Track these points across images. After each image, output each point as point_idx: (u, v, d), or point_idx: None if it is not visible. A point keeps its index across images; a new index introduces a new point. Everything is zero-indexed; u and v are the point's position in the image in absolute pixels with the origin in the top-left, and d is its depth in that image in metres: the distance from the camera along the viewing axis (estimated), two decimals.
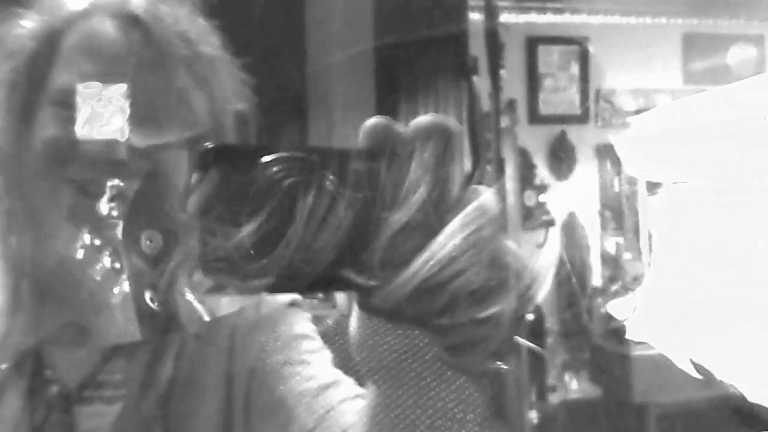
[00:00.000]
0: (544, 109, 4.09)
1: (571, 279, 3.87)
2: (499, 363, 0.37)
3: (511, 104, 3.72)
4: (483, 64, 2.38)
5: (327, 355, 0.67)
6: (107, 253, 0.64)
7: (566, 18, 4.00)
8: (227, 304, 0.73)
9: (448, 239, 0.32)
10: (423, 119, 0.34)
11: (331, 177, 0.30)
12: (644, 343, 3.75)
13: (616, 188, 4.25)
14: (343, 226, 0.30)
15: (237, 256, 0.28)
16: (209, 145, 0.31)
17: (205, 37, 0.67)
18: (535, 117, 4.06)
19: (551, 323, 3.94)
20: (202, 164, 0.30)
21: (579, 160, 4.11)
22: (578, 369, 4.05)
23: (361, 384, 0.58)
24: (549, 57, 4.11)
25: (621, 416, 3.72)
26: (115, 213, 0.63)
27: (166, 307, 0.33)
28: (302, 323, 0.69)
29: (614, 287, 3.93)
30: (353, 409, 0.57)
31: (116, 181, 0.63)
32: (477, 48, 2.46)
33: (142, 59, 0.62)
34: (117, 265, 0.64)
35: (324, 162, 0.30)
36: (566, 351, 4.03)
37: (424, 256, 0.32)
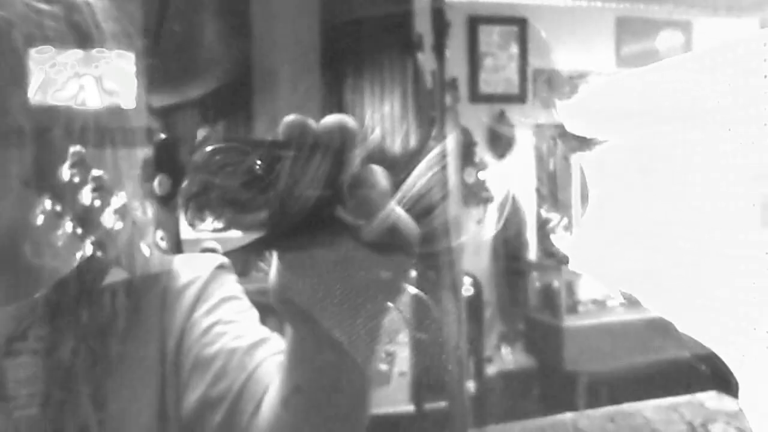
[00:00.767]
0: (484, 87, 4.17)
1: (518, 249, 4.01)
2: (418, 290, 0.43)
3: (453, 83, 3.79)
4: (426, 43, 2.41)
5: (255, 314, 0.72)
6: (68, 218, 0.64)
7: None
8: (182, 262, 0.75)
9: (416, 179, 0.38)
10: (329, 118, 0.40)
11: (258, 162, 0.35)
12: (575, 314, 3.93)
13: (552, 167, 4.39)
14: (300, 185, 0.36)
15: (237, 197, 0.33)
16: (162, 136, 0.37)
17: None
18: (475, 96, 4.14)
19: (489, 296, 4.07)
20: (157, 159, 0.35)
21: (517, 138, 4.22)
22: (513, 341, 4.21)
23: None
24: (489, 37, 4.18)
25: (553, 385, 3.90)
26: (76, 180, 0.63)
27: (175, 247, 0.38)
28: (230, 284, 0.73)
29: (549, 262, 4.09)
30: (278, 363, 0.61)
31: (78, 147, 0.63)
32: (421, 25, 2.49)
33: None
34: (79, 231, 0.64)
35: (254, 150, 0.35)
36: (503, 323, 4.18)
37: (398, 195, 0.38)
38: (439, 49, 1.73)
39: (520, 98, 4.25)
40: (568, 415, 3.66)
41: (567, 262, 4.01)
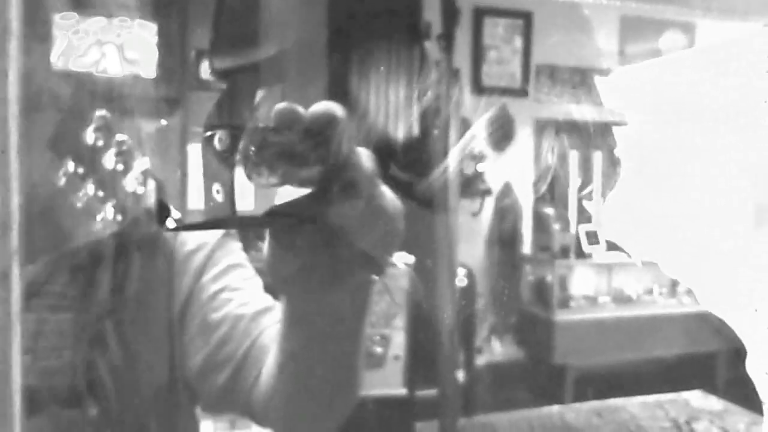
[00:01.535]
0: (486, 80, 4.17)
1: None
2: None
3: (456, 74, 3.79)
4: (434, 31, 2.41)
5: (259, 282, 0.74)
6: (91, 181, 0.66)
7: None
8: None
9: (467, 142, 0.40)
10: (318, 105, 0.42)
11: (252, 148, 0.37)
12: (567, 308, 3.96)
13: (550, 162, 4.41)
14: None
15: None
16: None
17: None
18: (477, 88, 4.14)
19: (482, 287, 4.09)
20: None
21: (517, 132, 4.24)
22: (504, 332, 4.24)
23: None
24: (494, 29, 4.18)
25: (542, 377, 3.94)
26: (100, 143, 0.65)
27: (231, 200, 0.39)
28: (237, 252, 0.75)
29: (543, 256, 4.12)
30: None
31: (103, 112, 0.65)
32: (430, 13, 2.49)
33: None
34: (101, 194, 0.66)
35: (248, 137, 0.38)
36: (495, 315, 4.20)
37: (452, 153, 0.40)
38: (448, 39, 1.73)
39: (521, 93, 4.26)
40: (556, 408, 3.71)
41: (560, 257, 4.04)
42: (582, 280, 4.18)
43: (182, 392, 0.72)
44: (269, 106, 0.38)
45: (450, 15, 1.73)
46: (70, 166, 0.66)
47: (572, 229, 4.05)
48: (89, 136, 0.65)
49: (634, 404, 3.62)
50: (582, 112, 4.37)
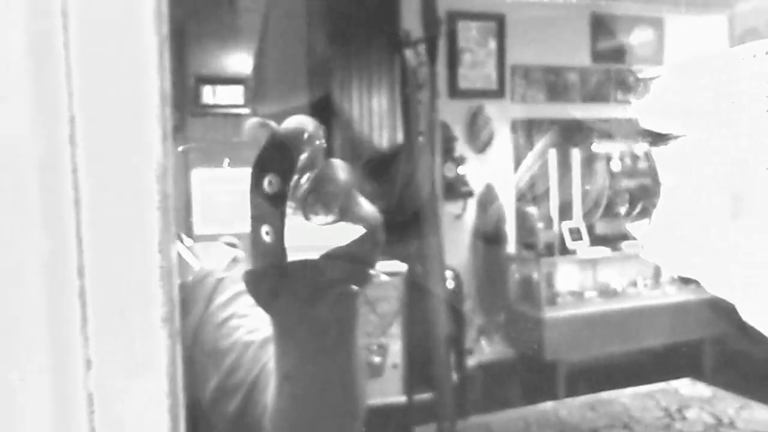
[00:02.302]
0: (463, 83, 4.21)
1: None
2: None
3: (432, 78, 3.81)
4: (414, 39, 2.43)
5: None
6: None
7: None
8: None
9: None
10: (290, 120, 0.42)
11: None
12: (554, 305, 4.01)
13: (531, 162, 4.46)
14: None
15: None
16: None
17: None
18: (454, 91, 4.17)
19: (469, 289, 4.12)
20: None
21: (496, 133, 4.27)
22: (493, 332, 4.27)
23: None
24: (468, 32, 4.21)
25: (534, 374, 3.97)
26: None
27: (281, 242, 0.40)
28: None
29: (528, 254, 4.16)
30: None
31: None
32: (409, 22, 2.51)
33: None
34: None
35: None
36: (483, 315, 4.23)
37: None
38: (430, 44, 1.74)
39: (498, 94, 4.30)
40: (549, 404, 3.75)
41: (545, 255, 4.09)
42: (567, 277, 4.23)
43: (198, 421, 0.71)
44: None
45: (431, 24, 1.74)
46: None
47: (555, 227, 4.10)
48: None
49: (625, 396, 3.68)
50: (559, 110, 4.42)
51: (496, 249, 4.20)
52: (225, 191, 2.24)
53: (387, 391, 2.40)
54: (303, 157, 0.41)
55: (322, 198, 0.41)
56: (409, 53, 2.26)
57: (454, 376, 3.58)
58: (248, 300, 0.73)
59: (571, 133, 4.41)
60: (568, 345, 3.91)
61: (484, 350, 4.28)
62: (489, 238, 4.19)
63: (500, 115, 4.28)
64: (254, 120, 0.42)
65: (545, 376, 3.86)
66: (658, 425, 3.32)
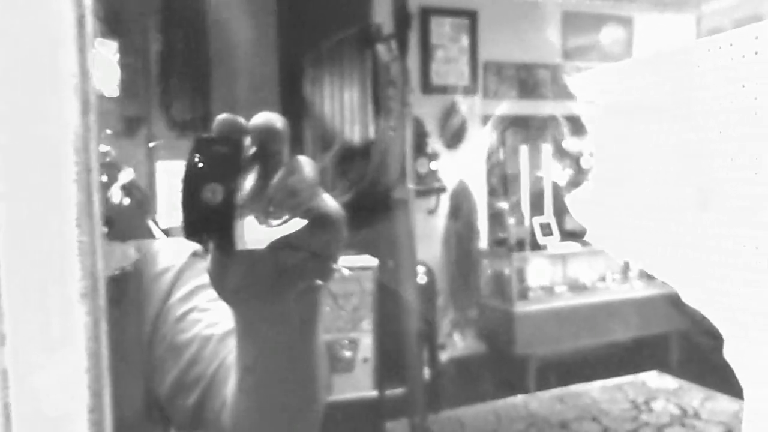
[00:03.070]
0: (436, 79, 4.22)
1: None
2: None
3: (406, 74, 3.82)
4: (385, 34, 2.43)
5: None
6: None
7: None
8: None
9: None
10: (258, 116, 0.42)
11: (198, 156, 0.38)
12: (526, 300, 4.05)
13: (501, 157, 4.49)
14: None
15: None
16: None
17: None
18: (427, 87, 4.19)
19: (441, 284, 4.14)
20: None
21: (468, 129, 4.30)
22: (465, 327, 4.30)
23: None
24: (441, 28, 4.23)
25: (505, 368, 4.01)
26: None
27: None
28: (204, 273, 0.74)
29: (500, 250, 4.19)
30: None
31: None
32: (380, 16, 2.51)
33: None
34: None
35: (194, 146, 0.39)
36: (455, 310, 4.26)
37: None
38: (401, 39, 1.75)
39: (470, 90, 4.32)
40: (520, 398, 3.79)
41: (516, 250, 4.12)
42: (538, 272, 4.27)
43: (154, 415, 0.71)
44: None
45: (402, 19, 1.74)
46: None
47: (526, 222, 4.14)
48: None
49: (594, 388, 3.74)
50: (530, 107, 4.46)
51: (468, 244, 4.23)
52: None
53: (358, 385, 2.41)
54: (247, 156, 0.40)
55: (289, 198, 0.41)
56: (381, 48, 2.26)
57: (427, 371, 3.60)
58: (209, 294, 0.72)
59: (542, 130, 4.45)
60: (539, 339, 3.95)
61: (457, 345, 4.31)
62: (461, 233, 4.22)
63: (473, 111, 4.30)
64: (224, 116, 0.41)
65: (516, 370, 3.90)
66: (626, 417, 3.38)
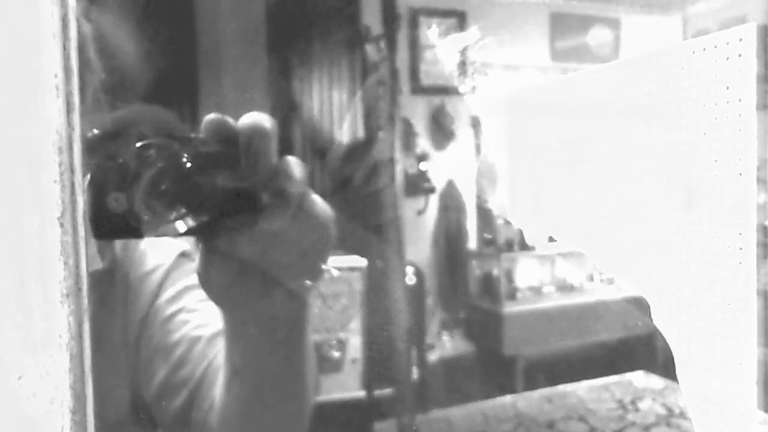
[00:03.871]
0: (425, 80, 4.23)
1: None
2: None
3: (396, 74, 3.82)
4: (374, 34, 2.43)
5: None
6: None
7: None
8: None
9: None
10: (247, 117, 0.42)
11: (185, 156, 0.37)
12: (514, 300, 4.06)
13: (489, 158, 4.51)
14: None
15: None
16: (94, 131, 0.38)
17: None
18: (416, 88, 4.19)
19: (430, 284, 4.15)
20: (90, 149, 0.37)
21: (457, 130, 4.31)
22: (454, 328, 4.31)
23: None
24: (430, 29, 4.23)
25: (493, 369, 4.02)
26: None
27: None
28: (193, 274, 0.74)
29: (488, 250, 4.20)
30: None
31: None
32: (369, 17, 2.51)
33: None
34: None
35: (181, 146, 0.38)
36: (445, 311, 4.26)
37: None
38: (390, 39, 1.75)
39: (459, 91, 4.33)
40: (508, 398, 3.80)
41: (505, 250, 4.14)
42: (527, 272, 4.29)
43: (140, 417, 0.70)
44: (139, 141, 0.37)
45: (390, 19, 1.75)
46: None
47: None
48: None
49: (582, 388, 3.75)
50: None
51: (457, 245, 4.23)
52: None
53: (346, 386, 2.40)
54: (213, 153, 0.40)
55: (278, 198, 0.41)
56: (369, 48, 2.26)
57: (415, 372, 3.60)
58: (197, 294, 0.72)
59: None
60: (527, 339, 3.97)
61: (446, 345, 4.32)
62: (450, 234, 4.22)
63: (461, 112, 4.31)
64: (212, 116, 0.41)
65: (505, 370, 3.91)
66: (612, 416, 3.40)
